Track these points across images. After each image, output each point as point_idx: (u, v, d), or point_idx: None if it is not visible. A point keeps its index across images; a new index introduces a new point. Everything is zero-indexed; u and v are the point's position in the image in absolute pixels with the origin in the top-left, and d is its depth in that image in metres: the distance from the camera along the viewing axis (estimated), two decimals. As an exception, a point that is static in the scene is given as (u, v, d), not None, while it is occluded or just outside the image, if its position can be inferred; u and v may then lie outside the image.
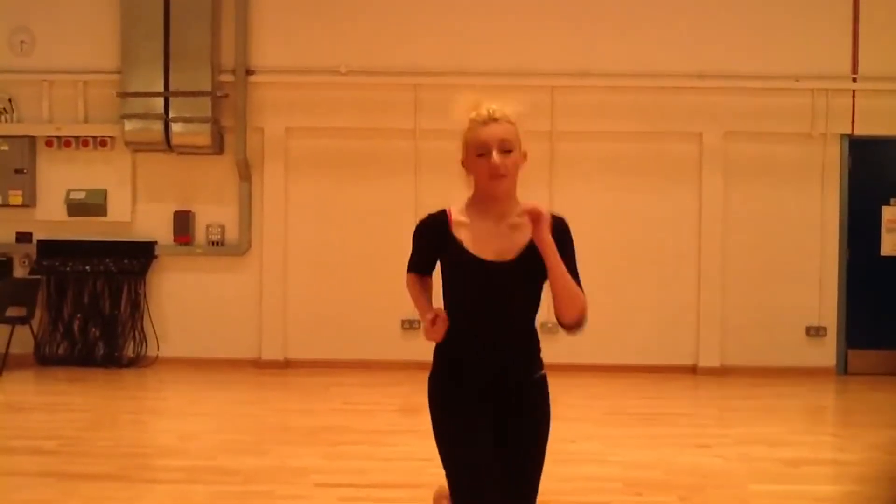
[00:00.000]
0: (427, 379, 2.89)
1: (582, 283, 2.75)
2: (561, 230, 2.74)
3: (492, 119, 2.72)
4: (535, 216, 2.63)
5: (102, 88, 8.58)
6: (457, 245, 2.75)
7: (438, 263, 2.88)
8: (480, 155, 2.71)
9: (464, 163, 2.80)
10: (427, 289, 2.93)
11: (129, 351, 8.62)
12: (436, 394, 2.86)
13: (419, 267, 2.91)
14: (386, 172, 8.49)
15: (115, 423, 6.45)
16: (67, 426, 6.17)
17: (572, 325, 2.74)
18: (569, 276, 2.70)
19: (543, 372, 2.87)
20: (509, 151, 2.71)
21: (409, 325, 8.46)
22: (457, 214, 2.80)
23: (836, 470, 5.32)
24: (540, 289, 2.76)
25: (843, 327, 8.62)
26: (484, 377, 2.77)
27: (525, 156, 2.78)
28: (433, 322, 2.72)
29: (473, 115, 2.75)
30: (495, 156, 2.68)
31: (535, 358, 2.86)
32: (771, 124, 8.52)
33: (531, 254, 2.69)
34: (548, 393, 2.88)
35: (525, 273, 2.72)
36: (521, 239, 2.73)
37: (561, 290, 2.69)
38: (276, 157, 8.63)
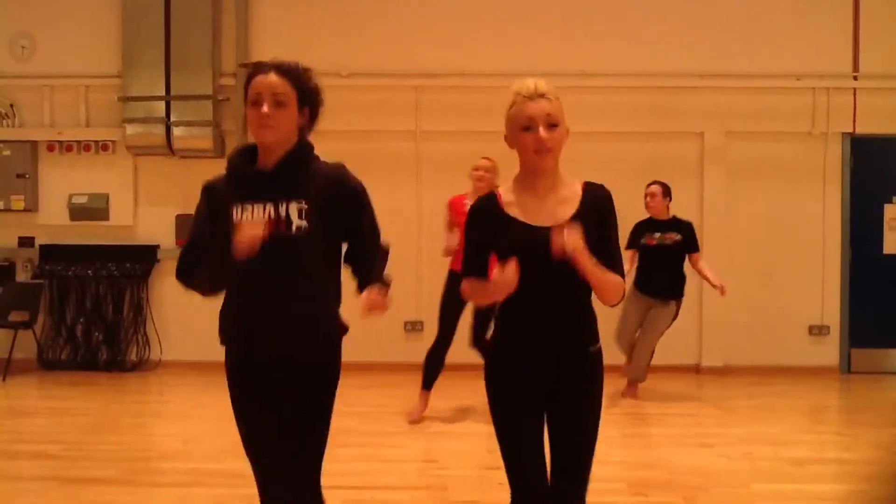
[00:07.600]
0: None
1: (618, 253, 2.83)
2: (605, 203, 2.80)
3: (538, 94, 2.73)
4: (570, 253, 2.62)
5: (104, 93, 8.60)
6: (512, 220, 2.78)
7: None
8: (526, 129, 2.73)
9: (507, 139, 2.82)
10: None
11: (132, 355, 8.62)
12: (490, 372, 2.88)
13: (476, 269, 2.87)
14: (387, 174, 8.47)
15: (118, 426, 6.44)
16: (70, 430, 6.17)
17: (613, 305, 2.87)
18: (607, 275, 2.73)
19: (599, 346, 2.90)
20: (555, 126, 2.74)
21: (411, 328, 8.46)
22: (506, 194, 2.84)
23: (841, 469, 5.30)
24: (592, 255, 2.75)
25: (846, 326, 8.61)
26: (538, 349, 2.79)
27: (567, 131, 2.80)
28: (504, 269, 2.63)
29: (519, 88, 2.75)
30: (542, 130, 2.71)
31: (591, 330, 2.89)
32: (772, 123, 8.52)
33: (579, 223, 2.71)
34: (601, 369, 2.92)
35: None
36: (569, 210, 2.78)
37: (603, 287, 2.76)
38: (278, 159, 8.62)
